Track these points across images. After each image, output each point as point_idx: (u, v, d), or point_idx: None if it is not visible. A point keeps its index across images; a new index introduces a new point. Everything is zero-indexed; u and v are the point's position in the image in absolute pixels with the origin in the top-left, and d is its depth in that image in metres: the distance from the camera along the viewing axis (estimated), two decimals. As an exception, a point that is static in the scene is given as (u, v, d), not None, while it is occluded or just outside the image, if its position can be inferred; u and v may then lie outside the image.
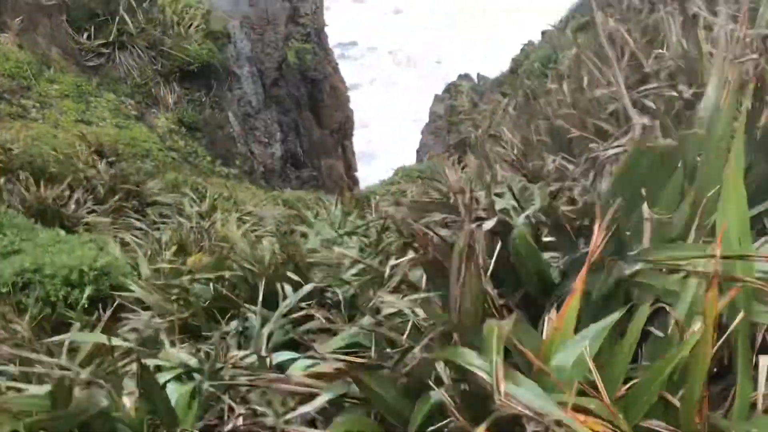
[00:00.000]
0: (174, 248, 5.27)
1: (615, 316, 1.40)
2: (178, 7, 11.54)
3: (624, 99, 2.35)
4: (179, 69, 11.10)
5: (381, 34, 35.28)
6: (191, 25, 11.34)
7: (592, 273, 1.49)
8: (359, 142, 28.10)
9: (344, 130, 21.17)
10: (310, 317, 3.02)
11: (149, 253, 5.00)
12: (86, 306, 3.80)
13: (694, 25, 6.91)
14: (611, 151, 2.89)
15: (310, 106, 18.83)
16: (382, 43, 35.12)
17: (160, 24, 10.99)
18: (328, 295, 3.23)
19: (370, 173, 19.90)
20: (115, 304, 3.53)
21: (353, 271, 3.41)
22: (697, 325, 1.26)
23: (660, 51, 5.69)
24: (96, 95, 9.85)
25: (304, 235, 4.94)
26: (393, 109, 30.41)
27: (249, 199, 8.42)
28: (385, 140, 27.86)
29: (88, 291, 3.73)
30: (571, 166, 4.80)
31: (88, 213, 6.20)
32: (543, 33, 14.68)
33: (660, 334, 1.43)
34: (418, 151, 17.51)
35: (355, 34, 33.88)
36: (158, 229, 6.32)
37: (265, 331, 2.90)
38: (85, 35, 10.54)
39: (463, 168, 9.59)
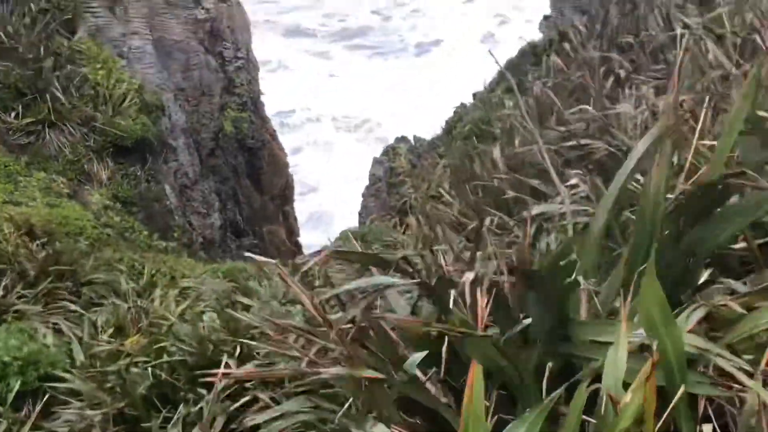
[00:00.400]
0: (110, 330, 5.07)
1: (547, 405, 1.38)
2: (110, 83, 11.44)
3: (546, 163, 2.40)
4: (112, 144, 10.93)
5: (317, 99, 35.78)
6: (124, 100, 11.24)
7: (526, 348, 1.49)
8: (310, 205, 28.13)
9: (285, 195, 21.12)
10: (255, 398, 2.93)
11: (84, 337, 4.79)
12: (14, 400, 3.58)
13: (618, 84, 7.25)
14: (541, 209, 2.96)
15: (249, 174, 18.77)
16: (319, 109, 35.59)
17: (92, 100, 10.86)
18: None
19: (320, 237, 19.85)
20: (46, 396, 3.34)
21: (300, 343, 3.33)
22: (628, 397, 1.26)
23: (585, 108, 5.93)
24: (25, 174, 9.58)
25: (246, 308, 4.83)
26: (337, 172, 30.64)
27: (188, 273, 8.22)
28: (335, 203, 27.95)
29: (14, 384, 3.52)
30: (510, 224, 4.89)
31: (18, 299, 5.93)
32: (474, 95, 15.15)
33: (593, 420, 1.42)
34: (360, 214, 17.56)
35: (292, 100, 34.25)
36: (95, 310, 6.09)
37: (207, 415, 2.79)
38: (13, 114, 10.32)
39: (404, 230, 9.66)
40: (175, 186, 12.88)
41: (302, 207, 27.62)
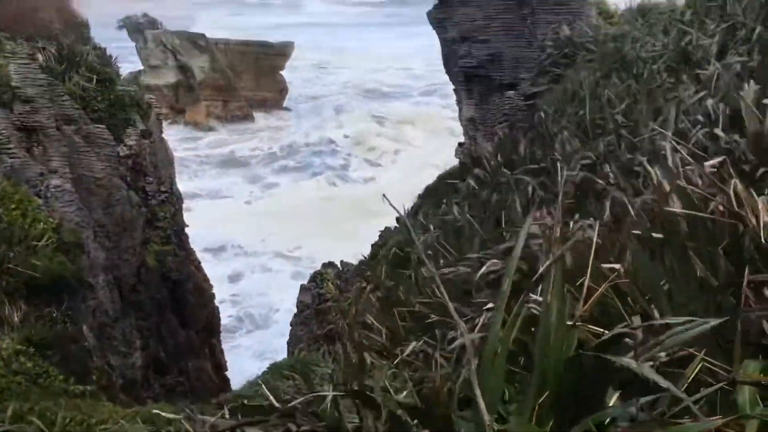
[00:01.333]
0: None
1: None
2: (26, 222, 11.17)
3: (448, 306, 2.48)
4: (26, 285, 10.52)
5: (239, 226, 35.91)
6: (41, 239, 10.95)
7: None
8: (255, 337, 27.35)
9: (211, 328, 20.58)
10: None
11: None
12: None
13: (533, 208, 7.60)
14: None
15: (173, 308, 18.28)
16: (243, 237, 35.54)
17: (6, 241, 10.54)
18: None
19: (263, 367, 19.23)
20: None
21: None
22: None
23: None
24: (-72, 322, 9.03)
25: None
26: (269, 299, 30.24)
27: (107, 419, 7.76)
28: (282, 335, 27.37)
29: None
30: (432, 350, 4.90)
31: None
32: (398, 219, 15.52)
33: None
34: (288, 344, 17.21)
35: (218, 232, 34.18)
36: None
37: None
38: None
39: (333, 359, 9.50)
40: (93, 325, 12.37)
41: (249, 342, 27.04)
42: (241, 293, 30.78)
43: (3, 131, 12.21)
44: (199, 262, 21.20)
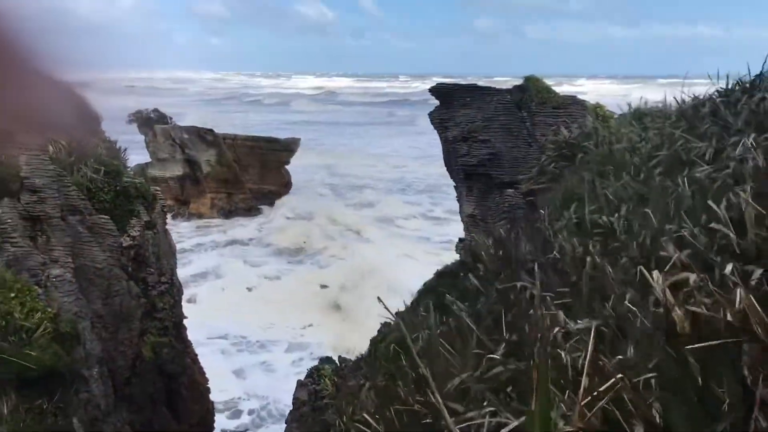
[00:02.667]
0: None
1: None
2: (23, 312, 11.10)
3: (444, 414, 2.45)
4: (17, 376, 10.33)
5: (239, 315, 35.68)
6: (37, 329, 10.86)
7: None
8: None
9: (205, 422, 20.04)
10: None
11: None
12: None
13: (534, 306, 7.57)
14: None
15: (167, 401, 17.86)
16: (243, 327, 35.25)
17: (1, 330, 10.44)
18: None
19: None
20: None
21: None
22: None
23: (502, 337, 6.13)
24: None
25: None
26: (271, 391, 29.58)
27: None
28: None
29: None
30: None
31: None
32: (397, 313, 15.39)
33: None
34: (284, 442, 16.68)
35: (222, 323, 33.97)
36: None
37: None
38: None
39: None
40: (84, 419, 12.04)
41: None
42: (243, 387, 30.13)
43: (9, 221, 12.34)
44: (196, 355, 20.88)
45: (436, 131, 18.92)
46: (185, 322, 19.68)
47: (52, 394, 11.15)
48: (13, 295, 11.15)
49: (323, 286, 40.28)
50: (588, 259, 7.71)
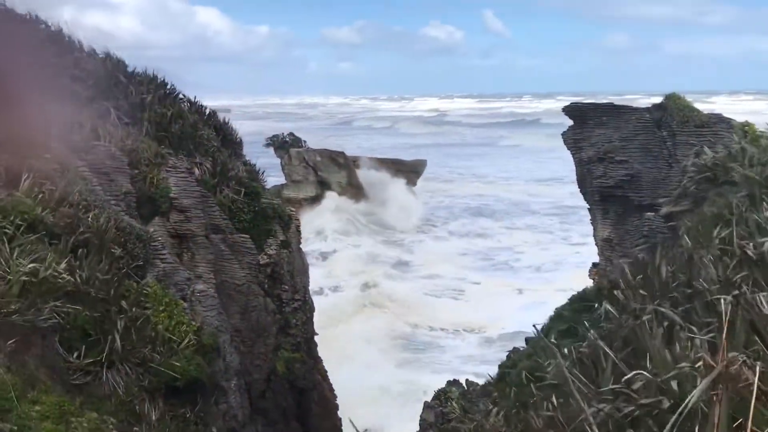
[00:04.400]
0: None
1: None
2: (170, 324, 11.85)
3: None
4: (165, 385, 11.02)
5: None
6: (182, 341, 11.55)
7: None
8: None
9: (334, 440, 20.41)
10: None
11: None
12: None
13: (673, 335, 7.13)
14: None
15: (298, 416, 18.39)
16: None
17: (152, 341, 11.19)
18: None
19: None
20: None
21: None
22: None
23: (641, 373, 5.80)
24: (77, 415, 9.60)
25: None
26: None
27: None
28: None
29: None
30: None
31: None
32: (527, 340, 15.02)
33: None
34: (410, 463, 16.66)
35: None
36: None
37: None
38: (75, 354, 10.62)
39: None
40: (222, 429, 12.64)
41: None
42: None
43: (159, 238, 13.27)
44: (326, 371, 21.38)
45: (568, 152, 18.40)
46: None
47: (195, 404, 11.79)
48: (162, 308, 11.93)
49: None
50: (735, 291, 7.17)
